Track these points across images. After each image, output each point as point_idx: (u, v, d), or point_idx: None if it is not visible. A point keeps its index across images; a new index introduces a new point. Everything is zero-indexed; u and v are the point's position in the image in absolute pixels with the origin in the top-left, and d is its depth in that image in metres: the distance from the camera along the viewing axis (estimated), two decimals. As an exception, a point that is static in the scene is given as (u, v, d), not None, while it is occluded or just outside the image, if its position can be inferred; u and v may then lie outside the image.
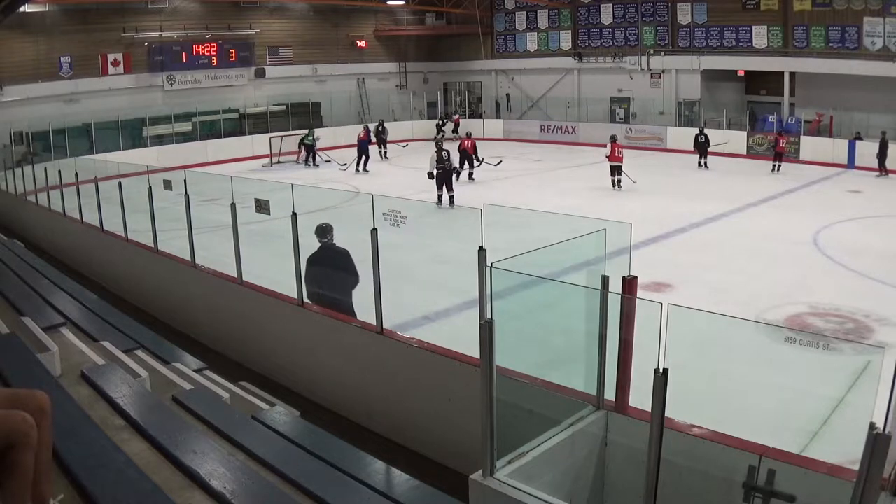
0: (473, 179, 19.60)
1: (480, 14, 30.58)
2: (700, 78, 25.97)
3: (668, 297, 8.27)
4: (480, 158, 19.72)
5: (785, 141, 21.03)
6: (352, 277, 6.96)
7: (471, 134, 20.89)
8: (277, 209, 7.14)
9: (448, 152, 16.24)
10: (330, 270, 7.15)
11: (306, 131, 24.67)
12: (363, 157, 22.18)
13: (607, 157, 18.07)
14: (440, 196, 16.07)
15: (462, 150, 19.57)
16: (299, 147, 24.73)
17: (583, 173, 21.21)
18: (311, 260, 7.15)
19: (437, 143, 16.68)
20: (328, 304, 7.04)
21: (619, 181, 17.88)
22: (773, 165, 20.64)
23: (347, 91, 30.78)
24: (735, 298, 9.21)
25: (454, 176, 16.33)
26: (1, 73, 22.51)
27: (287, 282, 7.22)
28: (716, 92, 26.00)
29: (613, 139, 18.28)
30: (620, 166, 17.80)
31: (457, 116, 30.15)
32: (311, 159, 24.09)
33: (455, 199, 15.98)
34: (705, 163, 21.41)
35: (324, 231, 7.21)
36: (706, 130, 21.90)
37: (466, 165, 19.43)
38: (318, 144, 24.81)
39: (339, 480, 3.98)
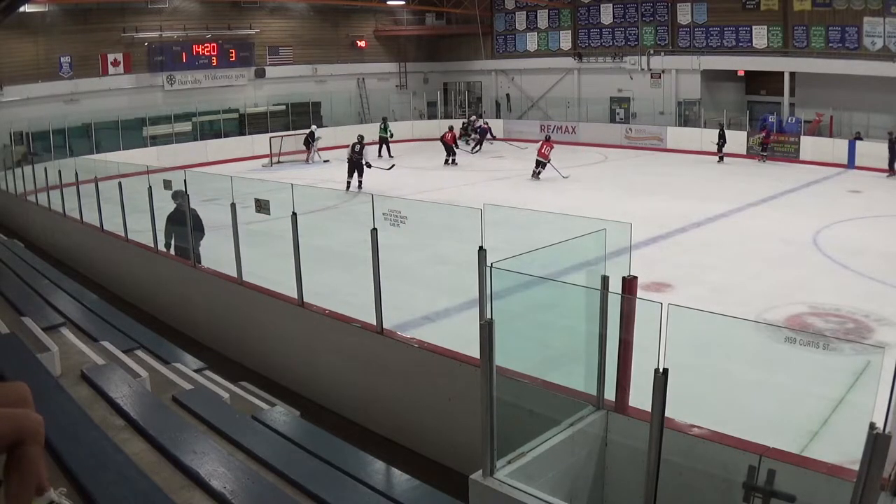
0: (456, 164, 23.01)
1: (480, 14, 30.57)
2: (700, 78, 25.97)
3: (668, 297, 8.26)
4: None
5: (772, 134, 22.83)
6: (198, 232, 9.03)
7: (452, 128, 24.22)
8: (277, 209, 7.14)
9: (362, 146, 18.40)
10: (182, 227, 9.07)
11: (381, 125, 25.53)
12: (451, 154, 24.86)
13: (544, 153, 19.59)
14: (349, 182, 18.27)
15: (443, 142, 23.23)
16: (306, 145, 24.74)
17: (583, 173, 21.20)
18: (170, 217, 9.32)
19: (358, 137, 18.82)
20: (182, 252, 9.23)
21: (539, 173, 19.72)
22: (762, 157, 22.61)
23: (347, 91, 30.79)
24: (735, 298, 9.21)
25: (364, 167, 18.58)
26: (1, 73, 22.51)
27: (287, 282, 7.22)
28: (716, 92, 25.99)
29: (548, 138, 20.40)
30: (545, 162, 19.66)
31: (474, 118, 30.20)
32: (387, 151, 24.69)
33: (362, 185, 18.22)
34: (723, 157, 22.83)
35: (177, 195, 9.05)
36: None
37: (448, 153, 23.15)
38: (319, 144, 24.87)
39: (339, 480, 3.98)
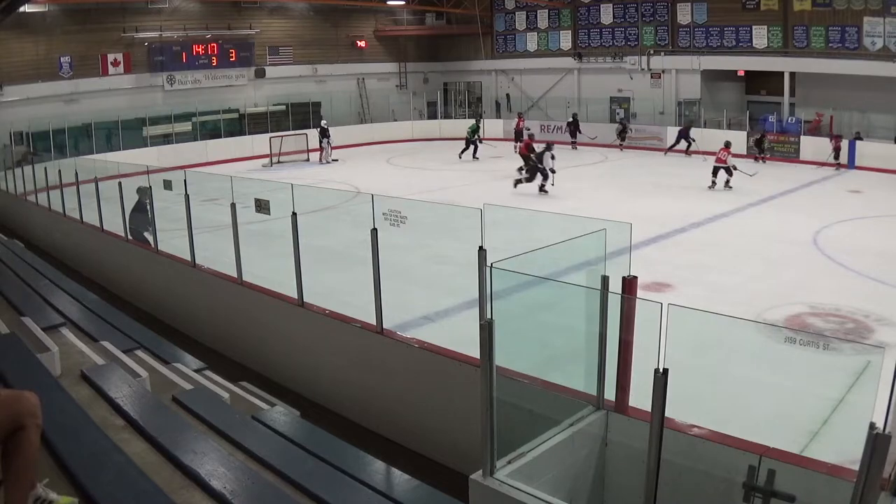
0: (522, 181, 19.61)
1: (480, 14, 30.57)
2: (700, 78, 25.96)
3: (668, 297, 8.25)
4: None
5: (840, 141, 20.95)
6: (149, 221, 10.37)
7: (533, 135, 21.06)
8: (277, 209, 7.14)
9: (546, 150, 17.55)
10: (144, 216, 10.28)
11: (473, 123, 24.80)
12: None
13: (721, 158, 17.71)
14: (541, 185, 17.68)
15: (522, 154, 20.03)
16: (320, 144, 24.63)
17: (583, 173, 21.20)
18: (134, 209, 10.59)
19: (547, 144, 17.90)
20: (142, 239, 10.51)
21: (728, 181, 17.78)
22: (837, 166, 20.68)
23: (347, 91, 30.78)
24: (735, 298, 9.21)
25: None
26: (1, 73, 22.51)
27: (287, 282, 7.22)
28: (716, 92, 25.98)
29: (728, 144, 18.11)
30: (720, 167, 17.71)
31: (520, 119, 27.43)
32: (475, 152, 23.94)
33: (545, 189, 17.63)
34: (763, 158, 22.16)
35: (142, 191, 10.28)
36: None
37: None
38: (334, 143, 24.81)
39: (339, 480, 3.98)
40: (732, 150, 21.48)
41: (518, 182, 17.74)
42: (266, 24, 28.80)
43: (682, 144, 23.96)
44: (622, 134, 25.91)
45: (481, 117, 26.43)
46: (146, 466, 3.43)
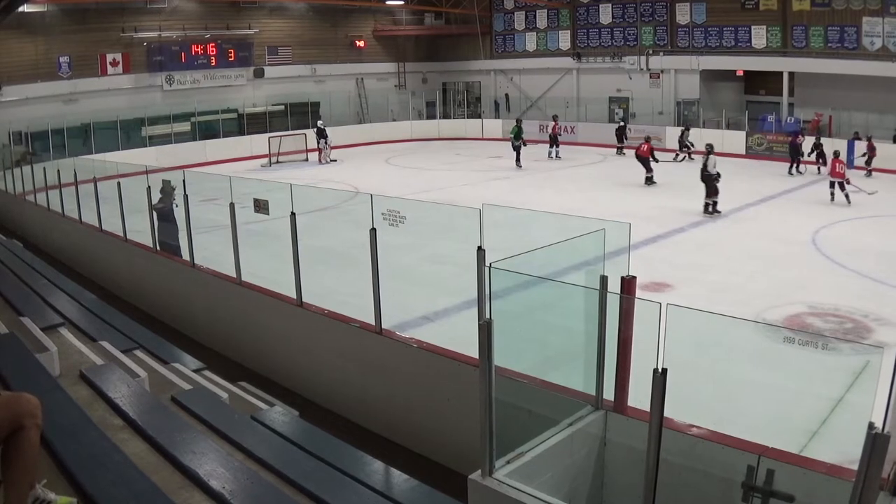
0: (655, 183, 18.63)
1: (479, 14, 30.58)
2: (699, 78, 25.97)
3: (668, 296, 8.26)
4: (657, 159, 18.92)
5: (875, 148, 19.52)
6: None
7: (649, 139, 20.01)
8: (276, 209, 7.14)
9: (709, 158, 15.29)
10: (171, 225, 9.84)
11: (515, 127, 22.71)
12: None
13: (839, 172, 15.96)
14: (707, 204, 15.01)
15: (638, 156, 19.04)
16: (318, 145, 24.51)
17: (582, 173, 21.20)
18: (159, 217, 9.90)
19: (707, 147, 15.86)
20: (174, 249, 9.78)
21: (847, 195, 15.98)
22: (868, 171, 19.38)
23: (346, 91, 30.79)
24: (734, 298, 9.21)
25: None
26: (0, 73, 22.50)
27: (286, 282, 7.22)
28: (715, 92, 25.99)
29: (837, 154, 16.40)
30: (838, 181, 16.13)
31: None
32: (519, 160, 22.32)
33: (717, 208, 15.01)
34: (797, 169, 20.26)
35: (167, 191, 9.82)
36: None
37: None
38: (332, 143, 24.70)
39: (338, 480, 3.98)
40: (728, 150, 20.80)
41: (713, 208, 14.89)
42: (265, 24, 28.80)
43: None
44: (620, 135, 24.47)
45: (520, 121, 23.68)
46: (145, 466, 3.43)
